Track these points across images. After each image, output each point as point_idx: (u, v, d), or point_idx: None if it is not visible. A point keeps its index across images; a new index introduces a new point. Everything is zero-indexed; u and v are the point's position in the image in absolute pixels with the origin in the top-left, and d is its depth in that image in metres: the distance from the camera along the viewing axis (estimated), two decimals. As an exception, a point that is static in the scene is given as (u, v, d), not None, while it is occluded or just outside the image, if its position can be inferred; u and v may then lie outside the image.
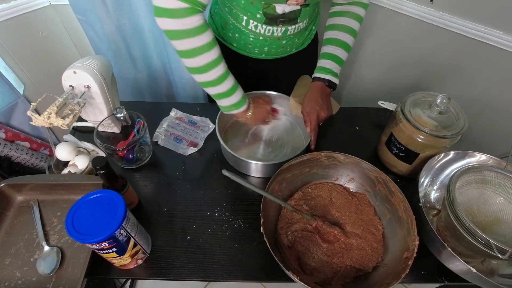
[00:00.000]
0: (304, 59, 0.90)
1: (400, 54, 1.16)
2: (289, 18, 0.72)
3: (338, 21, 0.78)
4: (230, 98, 0.70)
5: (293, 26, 0.75)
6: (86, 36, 1.14)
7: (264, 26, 0.73)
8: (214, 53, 0.64)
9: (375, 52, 1.23)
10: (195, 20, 0.59)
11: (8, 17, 1.02)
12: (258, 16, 0.70)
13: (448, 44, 1.01)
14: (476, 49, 0.96)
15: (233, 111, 0.74)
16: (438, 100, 0.66)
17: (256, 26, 0.74)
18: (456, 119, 0.67)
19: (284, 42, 0.80)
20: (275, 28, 0.73)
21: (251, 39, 0.78)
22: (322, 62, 0.79)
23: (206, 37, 0.62)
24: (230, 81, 0.69)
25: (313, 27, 0.87)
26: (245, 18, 0.73)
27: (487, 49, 0.94)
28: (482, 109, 1.05)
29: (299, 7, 0.69)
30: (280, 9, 0.68)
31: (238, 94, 0.71)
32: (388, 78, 1.26)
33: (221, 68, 0.66)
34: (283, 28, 0.74)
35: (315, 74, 0.80)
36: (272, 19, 0.71)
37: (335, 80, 0.78)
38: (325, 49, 0.79)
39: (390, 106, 0.88)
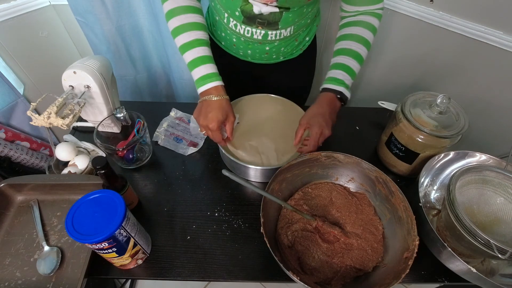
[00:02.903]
0: (295, 69, 0.86)
1: (400, 54, 1.16)
2: (267, 21, 0.70)
3: (350, 31, 0.71)
4: (201, 68, 0.68)
5: (274, 32, 0.73)
6: (85, 37, 1.14)
7: (243, 26, 0.72)
8: (187, 18, 0.67)
9: (375, 52, 1.22)
10: None
11: (8, 17, 1.02)
12: (237, 13, 0.70)
13: (448, 44, 1.01)
14: (476, 49, 0.96)
15: (203, 86, 0.68)
16: (438, 100, 0.66)
17: (235, 25, 0.73)
18: (456, 119, 0.67)
19: (267, 48, 0.78)
20: (254, 30, 0.72)
21: (234, 39, 0.78)
22: (333, 73, 0.71)
23: (180, 1, 0.67)
24: (203, 51, 0.68)
25: (307, 38, 0.84)
26: (226, 15, 0.73)
27: (487, 49, 0.94)
28: (482, 109, 1.05)
29: (277, 10, 0.68)
30: (256, 8, 0.67)
31: (210, 68, 0.68)
32: (388, 78, 1.26)
33: (198, 35, 0.68)
34: (263, 32, 0.72)
35: (325, 85, 0.71)
36: (250, 18, 0.70)
37: (347, 93, 0.70)
38: (336, 59, 0.72)
39: (390, 106, 0.88)
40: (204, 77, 0.67)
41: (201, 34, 0.69)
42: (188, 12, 0.68)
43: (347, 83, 0.70)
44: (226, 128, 0.70)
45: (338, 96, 0.70)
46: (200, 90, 0.68)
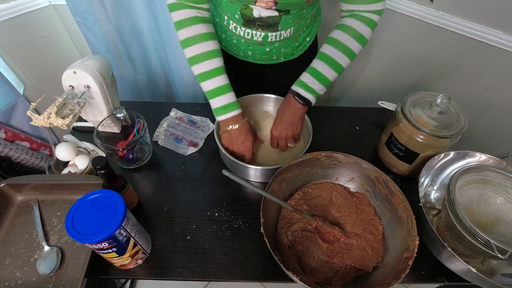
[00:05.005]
0: (296, 69, 0.84)
1: (400, 54, 1.16)
2: (267, 24, 0.70)
3: (338, 36, 0.70)
4: (221, 97, 0.69)
5: (274, 33, 0.73)
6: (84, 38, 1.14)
7: (243, 29, 0.72)
8: (207, 45, 0.67)
9: (375, 52, 1.23)
10: (182, 13, 0.66)
11: (8, 17, 1.02)
12: (237, 16, 0.70)
13: (448, 44, 1.01)
14: (476, 49, 0.96)
15: (224, 115, 0.70)
16: (438, 100, 0.66)
17: (235, 28, 0.73)
18: (456, 119, 0.67)
19: (267, 49, 0.78)
20: (254, 32, 0.72)
21: (234, 41, 0.78)
22: (302, 75, 0.73)
23: (198, 29, 0.67)
24: (223, 79, 0.70)
25: (308, 39, 0.84)
26: (226, 17, 0.73)
27: (487, 49, 0.94)
28: (482, 109, 1.05)
29: (277, 13, 0.67)
30: (256, 12, 0.67)
31: (230, 97, 0.70)
32: (388, 78, 1.26)
33: (217, 62, 0.69)
34: (263, 33, 0.72)
35: (292, 87, 0.74)
36: (250, 21, 0.70)
37: (306, 94, 0.71)
38: (314, 63, 0.72)
39: (390, 106, 0.88)
40: (225, 107, 0.70)
41: (219, 61, 0.70)
42: (206, 40, 0.68)
43: (312, 86, 0.71)
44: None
45: (295, 96, 0.72)
46: (221, 118, 0.71)
